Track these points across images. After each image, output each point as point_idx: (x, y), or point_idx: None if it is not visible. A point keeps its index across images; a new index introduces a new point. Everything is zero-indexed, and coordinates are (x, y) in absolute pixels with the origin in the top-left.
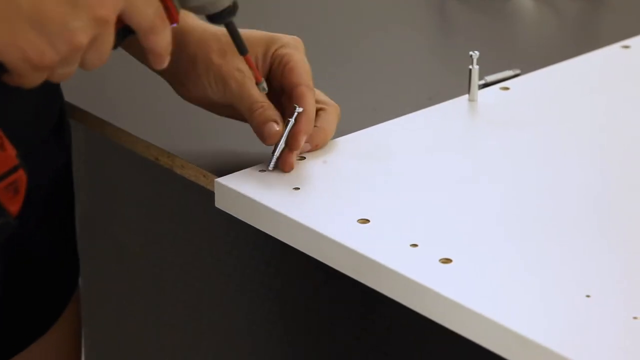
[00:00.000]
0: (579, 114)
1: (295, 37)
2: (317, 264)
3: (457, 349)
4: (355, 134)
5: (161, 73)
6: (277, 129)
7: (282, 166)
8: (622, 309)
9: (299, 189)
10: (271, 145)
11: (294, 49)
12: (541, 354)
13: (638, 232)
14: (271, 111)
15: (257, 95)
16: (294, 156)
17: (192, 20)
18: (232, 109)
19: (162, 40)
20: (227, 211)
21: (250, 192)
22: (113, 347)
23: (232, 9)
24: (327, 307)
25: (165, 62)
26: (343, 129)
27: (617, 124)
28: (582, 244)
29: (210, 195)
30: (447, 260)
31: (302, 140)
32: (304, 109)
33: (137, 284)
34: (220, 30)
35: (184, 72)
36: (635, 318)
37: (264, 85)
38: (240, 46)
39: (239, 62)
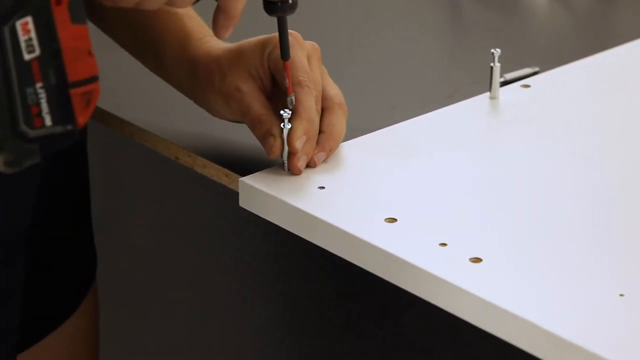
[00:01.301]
0: (601, 112)
1: (290, 31)
2: (333, 264)
3: (470, 345)
4: (377, 133)
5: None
6: (273, 142)
7: (291, 170)
8: None
9: (324, 188)
10: (276, 157)
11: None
12: (574, 352)
13: None
14: (268, 124)
15: (256, 109)
16: (299, 159)
17: (200, 51)
18: None
19: (240, 2)
20: (251, 210)
21: (275, 192)
22: (126, 346)
23: (288, 5)
24: (342, 307)
25: (229, 30)
26: (363, 127)
27: (638, 122)
28: (614, 243)
29: (230, 194)
30: (477, 260)
31: (298, 142)
32: (295, 109)
33: (153, 284)
34: (222, 54)
35: (200, 99)
36: None
37: (292, 98)
38: (284, 49)
39: (238, 82)
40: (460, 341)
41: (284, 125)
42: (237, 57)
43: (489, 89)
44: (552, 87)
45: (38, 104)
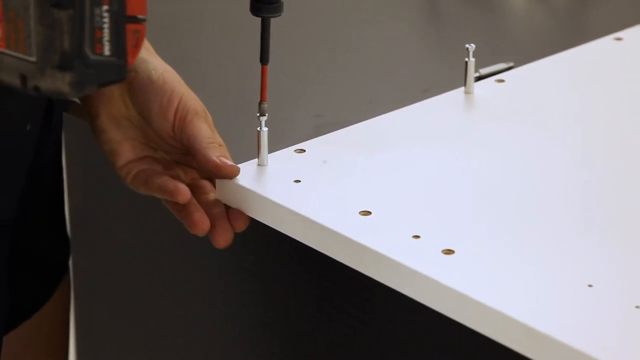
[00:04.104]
0: (574, 106)
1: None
2: (309, 256)
3: (444, 336)
4: (353, 127)
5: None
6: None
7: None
8: (624, 298)
9: (299, 181)
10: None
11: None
12: (545, 342)
13: (639, 221)
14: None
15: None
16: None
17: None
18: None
19: None
20: (227, 204)
21: (251, 185)
22: (105, 344)
23: (274, 7)
24: (319, 300)
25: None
26: (340, 122)
27: (610, 115)
28: (584, 235)
29: None
30: (449, 252)
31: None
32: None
33: (132, 280)
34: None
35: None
36: (637, 307)
37: (265, 105)
38: (264, 51)
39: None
40: (436, 333)
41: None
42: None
43: (464, 83)
44: (526, 82)
45: (102, 29)
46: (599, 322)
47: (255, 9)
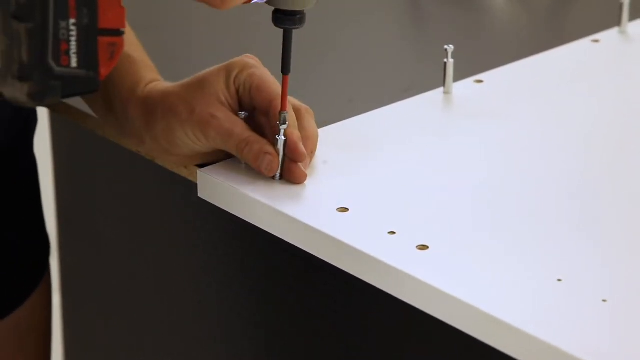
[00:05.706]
0: (551, 106)
1: (247, 55)
2: (298, 255)
3: (442, 337)
4: (334, 126)
5: (142, 149)
6: (271, 159)
7: (295, 179)
8: (592, 292)
9: (281, 179)
10: (273, 174)
11: (253, 67)
12: (515, 335)
13: (607, 218)
14: (258, 144)
15: (239, 132)
16: (303, 166)
17: (155, 91)
18: (223, 151)
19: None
20: (209, 201)
21: (232, 182)
22: (92, 342)
23: (297, 19)
24: (311, 302)
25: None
26: (321, 121)
27: (587, 115)
28: (554, 231)
29: (192, 186)
30: (423, 247)
31: (302, 148)
32: (287, 122)
33: (118, 277)
34: (182, 88)
35: (164, 139)
36: (604, 301)
37: (286, 115)
38: (286, 62)
39: (211, 109)
40: (422, 328)
41: (278, 137)
42: (200, 87)
43: (443, 84)
44: (504, 83)
45: (68, 41)
46: (567, 315)
47: (277, 20)
